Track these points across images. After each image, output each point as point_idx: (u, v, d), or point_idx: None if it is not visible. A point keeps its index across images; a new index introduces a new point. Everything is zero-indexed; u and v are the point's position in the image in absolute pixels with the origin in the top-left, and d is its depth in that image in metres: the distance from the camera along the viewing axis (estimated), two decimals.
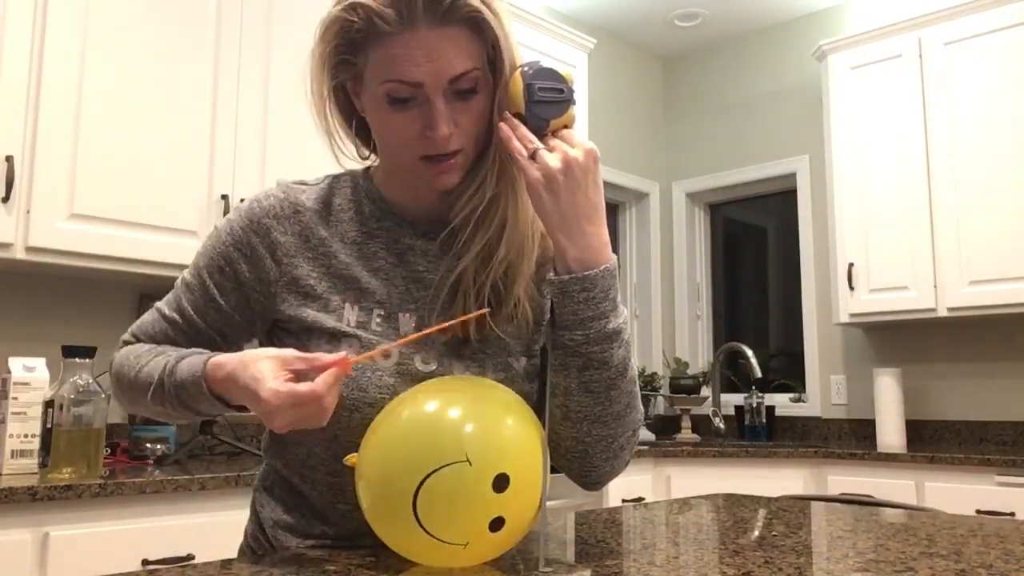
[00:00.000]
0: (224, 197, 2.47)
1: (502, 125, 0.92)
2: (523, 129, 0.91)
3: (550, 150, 0.89)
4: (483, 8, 0.89)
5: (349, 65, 0.94)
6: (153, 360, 0.98)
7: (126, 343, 1.05)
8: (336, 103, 1.00)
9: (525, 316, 1.01)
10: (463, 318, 0.93)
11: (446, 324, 0.91)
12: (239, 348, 1.01)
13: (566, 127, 0.92)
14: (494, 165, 0.96)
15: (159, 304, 1.05)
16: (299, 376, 0.85)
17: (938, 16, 3.38)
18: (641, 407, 1.00)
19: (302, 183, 1.04)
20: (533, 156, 0.89)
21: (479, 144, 0.96)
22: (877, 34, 3.54)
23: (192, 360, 0.94)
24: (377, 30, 0.89)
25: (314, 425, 0.84)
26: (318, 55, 0.95)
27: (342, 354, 0.87)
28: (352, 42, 0.92)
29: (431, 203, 1.01)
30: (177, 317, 1.02)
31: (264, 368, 0.84)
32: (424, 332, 0.91)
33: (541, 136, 0.91)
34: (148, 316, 1.05)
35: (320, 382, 0.83)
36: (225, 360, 0.90)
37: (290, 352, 0.87)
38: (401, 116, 0.92)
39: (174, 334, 1.02)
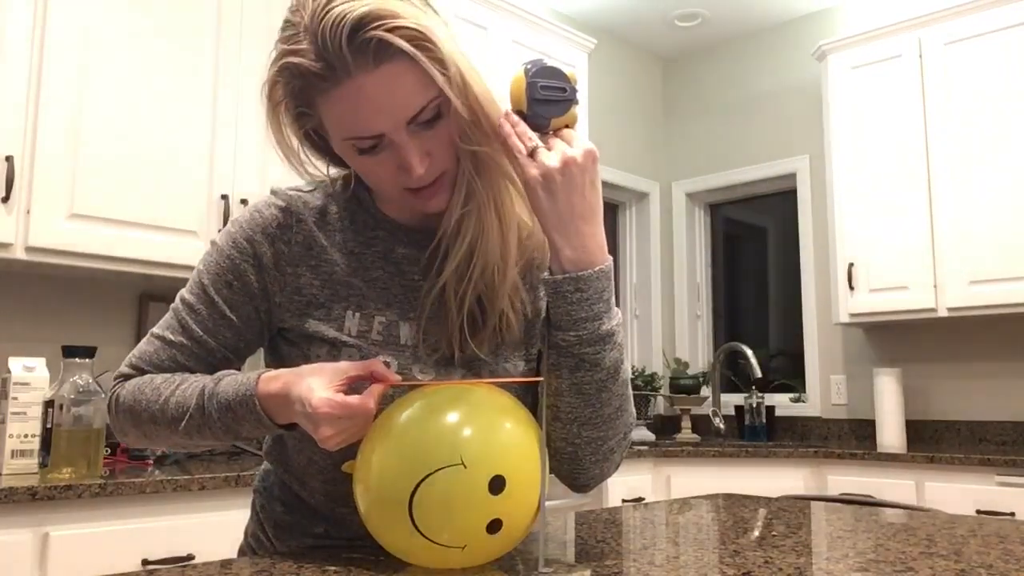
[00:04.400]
0: (224, 197, 2.47)
1: (502, 122, 0.91)
2: (523, 126, 0.90)
3: (549, 149, 0.89)
4: (413, 34, 0.85)
5: (307, 116, 0.93)
6: (180, 389, 0.94)
7: (126, 376, 1.00)
8: (311, 144, 1.00)
9: (520, 322, 1.00)
10: (512, 379, 0.97)
11: (502, 379, 0.95)
12: (242, 368, 1.01)
13: (567, 127, 0.92)
14: (462, 180, 0.94)
15: (158, 331, 1.00)
16: (350, 389, 0.86)
17: (938, 16, 3.38)
18: (633, 410, 0.99)
19: (298, 190, 1.03)
20: (532, 154, 0.89)
21: (459, 161, 0.94)
22: (877, 34, 3.54)
23: (236, 379, 0.92)
24: (316, 85, 0.88)
25: (357, 438, 0.85)
26: (269, 114, 0.94)
27: (397, 377, 0.89)
28: (299, 96, 0.91)
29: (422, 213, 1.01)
30: (185, 340, 0.98)
31: (320, 379, 0.85)
32: (471, 381, 0.92)
33: (542, 135, 0.91)
34: (147, 346, 1.00)
35: (369, 396, 0.84)
36: (278, 373, 0.90)
37: (344, 363, 0.88)
38: (374, 161, 0.92)
39: (184, 359, 0.98)
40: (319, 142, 1.00)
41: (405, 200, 0.95)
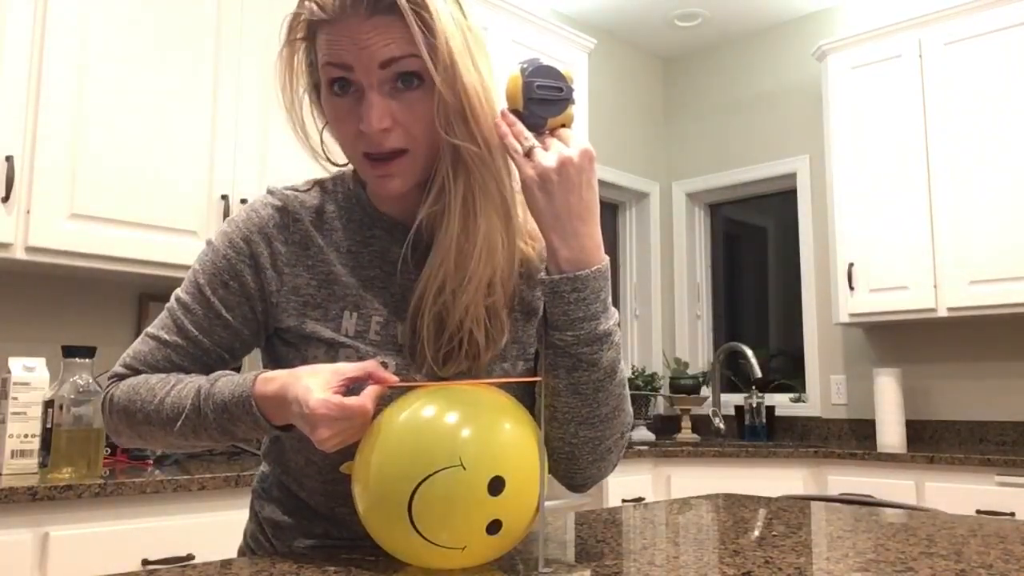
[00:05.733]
0: (224, 197, 2.47)
1: (498, 121, 0.91)
2: (520, 126, 0.90)
3: (546, 149, 0.89)
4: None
5: (314, 68, 0.96)
6: (175, 389, 0.93)
7: (120, 376, 0.99)
8: (317, 104, 1.00)
9: (495, 347, 0.97)
10: (510, 379, 0.96)
11: (500, 379, 0.93)
12: (239, 367, 1.01)
13: (564, 126, 0.91)
14: (437, 175, 0.93)
15: (152, 330, 1.00)
16: (348, 390, 0.85)
17: (938, 16, 3.38)
18: (630, 410, 0.99)
19: (294, 189, 1.02)
20: (529, 154, 0.89)
21: (430, 148, 0.93)
22: (877, 34, 3.54)
23: (232, 379, 0.92)
24: (317, 18, 0.91)
25: (355, 439, 0.84)
26: (285, 56, 0.97)
27: (395, 378, 0.89)
28: (307, 37, 0.95)
29: (416, 209, 0.99)
30: (180, 340, 0.98)
31: (317, 380, 0.84)
32: (470, 381, 0.91)
33: (538, 134, 0.90)
34: (142, 345, 0.99)
35: (367, 397, 0.83)
36: (275, 374, 0.89)
37: (342, 364, 0.88)
38: (341, 107, 0.92)
39: (179, 359, 0.98)
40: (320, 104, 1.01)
41: (366, 171, 0.95)
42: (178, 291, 1.01)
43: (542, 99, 0.90)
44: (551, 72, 0.91)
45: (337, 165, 1.06)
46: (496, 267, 0.94)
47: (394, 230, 1.01)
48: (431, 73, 0.89)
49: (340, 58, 0.90)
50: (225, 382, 0.92)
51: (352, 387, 0.86)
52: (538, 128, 0.90)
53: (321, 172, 1.07)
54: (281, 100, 0.98)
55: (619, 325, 0.94)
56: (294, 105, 0.98)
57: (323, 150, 1.03)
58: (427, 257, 0.96)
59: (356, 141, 0.93)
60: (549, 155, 0.88)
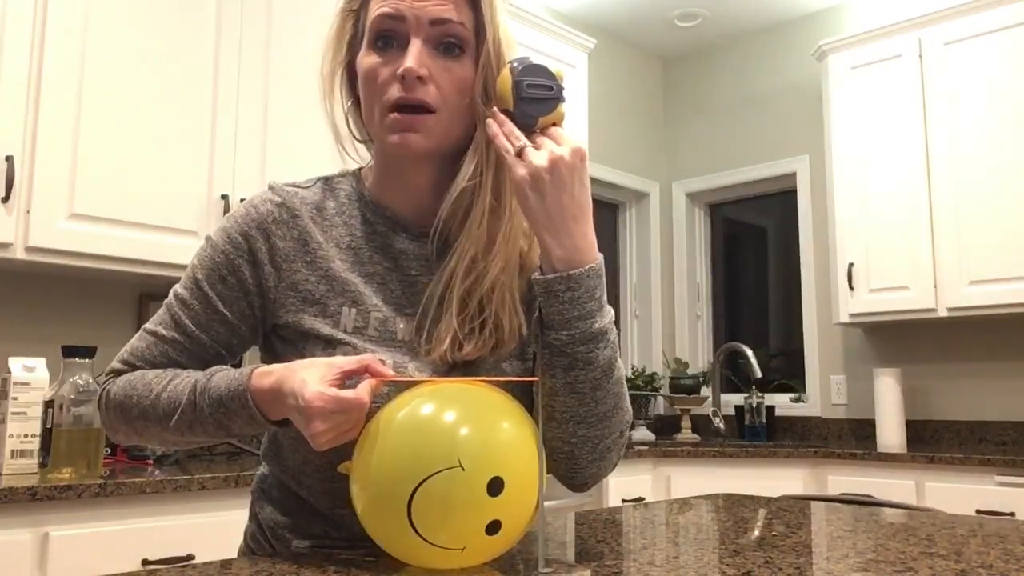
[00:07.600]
0: (224, 197, 2.47)
1: (489, 121, 0.91)
2: (510, 126, 0.90)
3: (537, 148, 0.89)
4: None
5: (354, 38, 1.00)
6: (171, 384, 0.93)
7: (117, 372, 0.99)
8: (344, 82, 1.03)
9: (515, 332, 0.98)
10: (507, 379, 0.95)
11: (498, 379, 0.93)
12: (240, 363, 1.01)
13: (555, 125, 0.91)
14: (474, 156, 0.96)
15: (150, 326, 1.00)
16: (344, 384, 0.85)
17: (938, 16, 3.38)
18: (629, 408, 0.99)
19: (295, 186, 1.02)
20: (520, 154, 0.89)
21: (453, 116, 0.95)
22: (877, 34, 3.54)
23: (229, 373, 0.91)
24: None
25: (350, 437, 0.84)
26: (337, 24, 1.01)
27: (392, 373, 0.89)
28: (357, 10, 0.99)
29: (422, 202, 1.00)
30: (177, 336, 0.98)
31: (314, 373, 0.84)
32: (467, 379, 0.90)
33: (529, 133, 0.90)
34: (139, 341, 0.99)
35: (363, 390, 0.83)
36: (272, 368, 0.89)
37: (339, 359, 0.88)
38: (382, 59, 0.95)
39: (176, 355, 0.98)
40: (346, 86, 1.04)
41: (390, 126, 0.94)
42: (176, 287, 1.01)
43: (532, 98, 0.90)
44: (541, 71, 0.91)
45: (358, 140, 1.06)
46: (518, 248, 0.98)
47: (396, 226, 1.01)
48: (473, 46, 0.95)
49: (396, 7, 0.93)
50: (221, 376, 0.92)
51: (349, 381, 0.86)
52: (529, 127, 0.90)
53: (327, 165, 1.07)
54: (320, 78, 1.02)
55: (616, 323, 0.94)
56: (333, 75, 1.02)
57: (347, 126, 1.05)
58: (431, 255, 0.97)
59: (389, 88, 0.94)
60: (540, 154, 0.88)
